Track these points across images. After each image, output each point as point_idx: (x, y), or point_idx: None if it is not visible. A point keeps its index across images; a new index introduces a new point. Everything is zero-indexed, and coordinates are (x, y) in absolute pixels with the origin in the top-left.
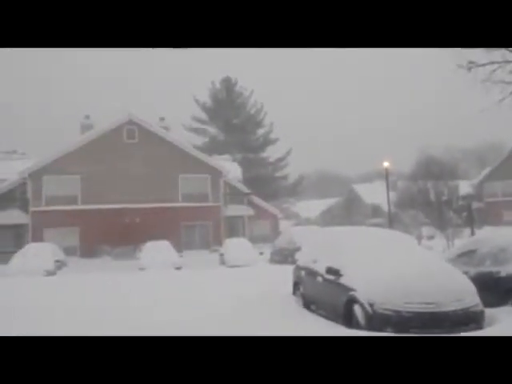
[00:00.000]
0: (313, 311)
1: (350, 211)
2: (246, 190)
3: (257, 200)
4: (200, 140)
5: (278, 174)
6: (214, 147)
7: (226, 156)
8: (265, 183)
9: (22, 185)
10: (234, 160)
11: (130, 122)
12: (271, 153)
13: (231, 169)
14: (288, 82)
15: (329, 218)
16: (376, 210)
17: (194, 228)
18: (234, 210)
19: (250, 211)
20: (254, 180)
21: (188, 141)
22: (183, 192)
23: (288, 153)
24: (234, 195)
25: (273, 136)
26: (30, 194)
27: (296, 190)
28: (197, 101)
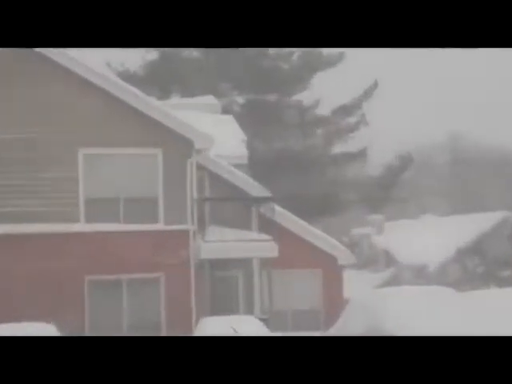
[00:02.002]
0: None
1: None
2: (258, 189)
3: (287, 218)
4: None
5: (336, 150)
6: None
7: (209, 98)
8: (305, 174)
9: None
10: (226, 108)
11: None
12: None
13: (221, 134)
14: None
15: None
16: None
17: (118, 289)
18: (228, 247)
19: (271, 248)
20: (279, 165)
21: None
22: (89, 195)
23: (363, 98)
24: (227, 203)
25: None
26: None
27: (388, 191)
28: None
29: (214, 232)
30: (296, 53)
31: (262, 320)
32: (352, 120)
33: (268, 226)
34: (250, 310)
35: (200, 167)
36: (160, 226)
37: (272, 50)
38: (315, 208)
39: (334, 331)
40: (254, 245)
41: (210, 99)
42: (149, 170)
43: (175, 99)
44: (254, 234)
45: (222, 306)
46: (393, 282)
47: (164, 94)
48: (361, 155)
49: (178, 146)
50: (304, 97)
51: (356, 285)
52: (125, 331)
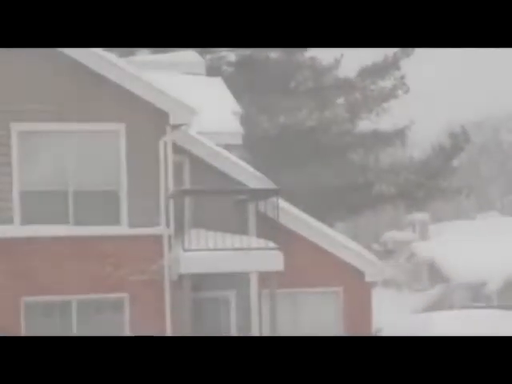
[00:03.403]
0: None
1: None
2: (257, 179)
3: (297, 219)
4: None
5: (364, 127)
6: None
7: (190, 55)
8: (321, 159)
9: None
10: (213, 68)
11: None
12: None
13: (207, 103)
14: None
15: None
16: None
17: (64, 315)
18: (216, 258)
19: (274, 259)
20: (286, 146)
21: None
22: (26, 187)
23: (401, 54)
24: (215, 197)
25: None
26: None
27: (435, 182)
28: None
29: (198, 237)
30: None
31: None
32: (386, 84)
33: (271, 229)
34: None
35: (178, 149)
36: (123, 229)
37: None
38: (335, 205)
39: None
40: (252, 255)
41: (190, 56)
42: (108, 153)
43: (143, 55)
44: (252, 241)
45: None
46: (441, 304)
47: (127, 49)
48: (398, 133)
49: (148, 119)
50: (320, 52)
51: (390, 309)
52: None
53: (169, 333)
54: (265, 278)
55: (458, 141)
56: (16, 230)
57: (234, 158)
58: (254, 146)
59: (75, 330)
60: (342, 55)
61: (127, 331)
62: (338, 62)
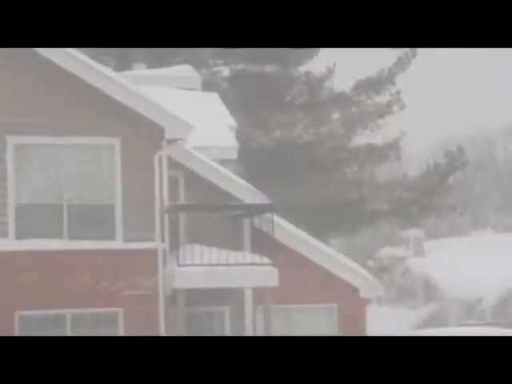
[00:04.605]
0: None
1: None
2: (252, 194)
3: (291, 234)
4: None
5: (359, 142)
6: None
7: (185, 69)
8: (316, 174)
9: None
10: (208, 83)
11: None
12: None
13: (202, 118)
14: None
15: None
16: None
17: (58, 329)
18: (211, 273)
19: (269, 275)
20: (281, 161)
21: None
22: (22, 200)
23: (397, 69)
24: (210, 213)
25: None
26: None
27: (430, 199)
28: None
29: (192, 253)
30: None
31: None
32: (382, 100)
33: (266, 244)
34: None
35: (173, 164)
36: (118, 243)
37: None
38: (329, 221)
39: None
40: (247, 270)
41: (186, 70)
42: (103, 168)
43: (138, 70)
44: (247, 256)
45: None
46: (436, 321)
47: (123, 62)
48: (393, 149)
49: (143, 134)
50: (315, 66)
51: (385, 325)
52: None
53: None
54: (259, 293)
55: (453, 159)
56: (11, 243)
57: (229, 172)
58: (250, 161)
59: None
60: (334, 64)
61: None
62: (333, 74)
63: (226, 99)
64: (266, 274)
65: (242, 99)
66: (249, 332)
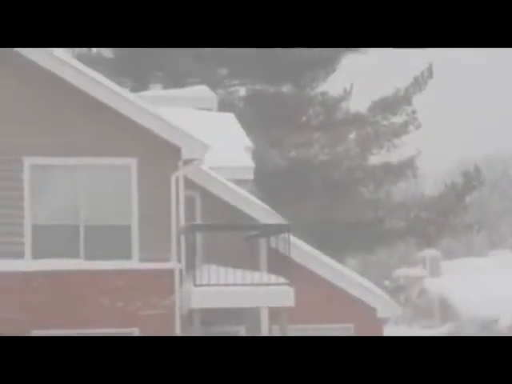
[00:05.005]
0: None
1: None
2: (268, 214)
3: (308, 254)
4: None
5: (375, 161)
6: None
7: (202, 89)
8: (332, 194)
9: None
10: (225, 103)
11: None
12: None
13: (218, 138)
14: None
15: None
16: None
17: None
18: (227, 293)
19: (285, 295)
20: (297, 181)
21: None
22: (38, 221)
23: (413, 89)
24: (226, 233)
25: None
26: None
27: (447, 218)
28: None
29: (209, 273)
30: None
31: None
32: (398, 120)
33: (282, 264)
34: None
35: (189, 184)
36: (134, 263)
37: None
38: (346, 240)
39: None
40: (263, 290)
41: (202, 91)
42: (119, 188)
43: (155, 90)
44: (263, 276)
45: None
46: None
47: (140, 83)
48: (410, 168)
49: (160, 154)
50: (331, 87)
51: None
52: None
53: None
54: (275, 313)
55: (470, 179)
56: (27, 264)
57: (245, 193)
58: (265, 181)
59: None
60: (351, 85)
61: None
62: (349, 94)
63: (241, 119)
64: (282, 294)
65: (258, 119)
66: None
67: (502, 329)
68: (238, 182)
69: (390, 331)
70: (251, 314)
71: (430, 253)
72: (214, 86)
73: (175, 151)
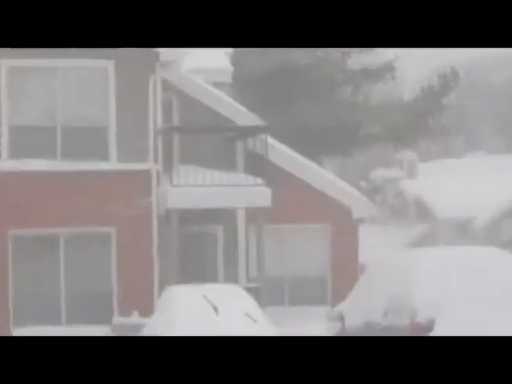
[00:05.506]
0: None
1: None
2: (246, 116)
3: (285, 156)
4: None
5: (353, 65)
6: None
7: None
8: (310, 96)
9: None
10: None
11: None
12: None
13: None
14: None
15: None
16: None
17: (52, 248)
18: (204, 193)
19: (262, 195)
20: (275, 83)
21: None
22: (15, 122)
23: None
24: (203, 134)
25: None
26: None
27: (424, 121)
28: None
29: (186, 173)
30: None
31: (248, 290)
32: None
33: (259, 165)
34: (232, 278)
35: (167, 86)
36: (111, 164)
37: None
38: (323, 143)
39: (344, 307)
40: (240, 191)
41: None
42: (96, 90)
43: None
44: (240, 177)
45: (194, 272)
46: (427, 241)
47: None
48: (388, 71)
49: (137, 56)
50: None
51: (377, 245)
52: (62, 304)
53: (156, 267)
54: (252, 213)
55: (446, 80)
56: (4, 164)
57: (223, 95)
58: (243, 83)
59: (62, 267)
60: None
61: (114, 264)
62: None
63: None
64: (259, 194)
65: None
66: (241, 251)
67: (476, 229)
68: (217, 85)
69: (365, 232)
70: (228, 214)
71: (407, 154)
72: None
73: (153, 53)
